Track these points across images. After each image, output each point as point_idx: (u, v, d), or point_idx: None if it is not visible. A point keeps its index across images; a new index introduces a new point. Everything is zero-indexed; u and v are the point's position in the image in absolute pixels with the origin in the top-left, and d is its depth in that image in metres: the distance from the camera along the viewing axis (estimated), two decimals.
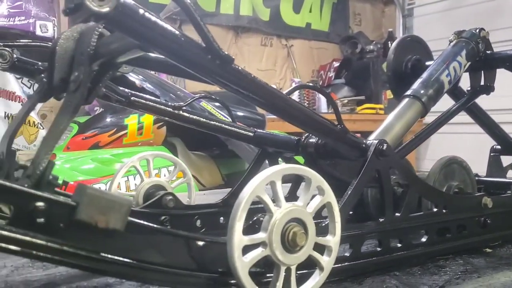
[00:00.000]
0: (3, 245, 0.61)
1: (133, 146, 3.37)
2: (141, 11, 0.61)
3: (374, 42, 5.07)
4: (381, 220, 1.03)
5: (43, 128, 3.95)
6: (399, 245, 1.05)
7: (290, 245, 0.77)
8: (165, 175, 3.34)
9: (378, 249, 1.02)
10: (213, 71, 0.72)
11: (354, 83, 5.11)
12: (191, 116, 1.13)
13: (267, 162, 1.26)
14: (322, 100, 4.93)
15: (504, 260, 1.10)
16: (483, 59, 1.46)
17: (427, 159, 4.96)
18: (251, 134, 1.21)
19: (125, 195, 1.28)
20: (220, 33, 4.75)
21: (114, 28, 0.65)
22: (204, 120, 1.15)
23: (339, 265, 0.94)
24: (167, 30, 0.66)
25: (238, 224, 0.73)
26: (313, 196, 0.83)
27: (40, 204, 0.63)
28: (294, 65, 5.27)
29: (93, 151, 3.21)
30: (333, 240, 0.84)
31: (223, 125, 1.17)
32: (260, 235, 0.76)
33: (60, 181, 0.74)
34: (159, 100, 1.10)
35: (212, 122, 1.16)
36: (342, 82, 5.20)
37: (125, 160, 3.17)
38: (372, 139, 1.06)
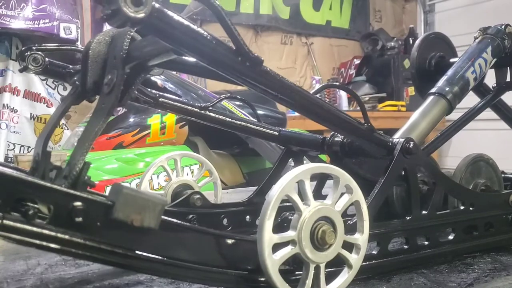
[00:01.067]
0: (44, 243, 0.63)
1: (156, 146, 3.43)
2: (175, 16, 0.63)
3: (395, 38, 5.03)
4: (408, 218, 1.03)
5: (68, 129, 4.04)
6: (426, 243, 1.05)
7: (319, 243, 0.78)
8: (187, 174, 3.40)
9: (405, 247, 1.02)
10: (243, 73, 0.74)
11: (375, 80, 5.08)
12: (217, 116, 1.15)
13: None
14: (343, 97, 4.91)
15: None
16: (509, 55, 1.45)
17: (450, 156, 4.90)
18: (276, 133, 1.23)
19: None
20: (241, 32, 4.66)
21: (149, 33, 0.67)
22: (230, 120, 1.17)
23: (367, 263, 0.94)
24: (199, 34, 0.67)
25: (268, 223, 0.74)
26: (342, 194, 0.84)
27: (78, 203, 0.65)
28: (314, 63, 5.26)
29: (117, 150, 3.27)
30: (361, 238, 0.85)
31: (249, 124, 1.19)
32: (290, 233, 0.77)
33: (94, 182, 0.76)
34: (185, 100, 1.13)
35: (237, 122, 1.18)
36: (363, 80, 5.17)
37: (148, 160, 3.22)
38: (398, 137, 1.06)
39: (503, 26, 1.45)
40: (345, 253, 0.83)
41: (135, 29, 0.69)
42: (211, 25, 4.64)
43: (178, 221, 0.75)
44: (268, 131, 1.21)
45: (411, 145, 1.01)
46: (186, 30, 0.65)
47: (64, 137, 3.98)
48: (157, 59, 0.71)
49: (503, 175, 1.73)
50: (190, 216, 1.11)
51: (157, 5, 0.60)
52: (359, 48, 5.43)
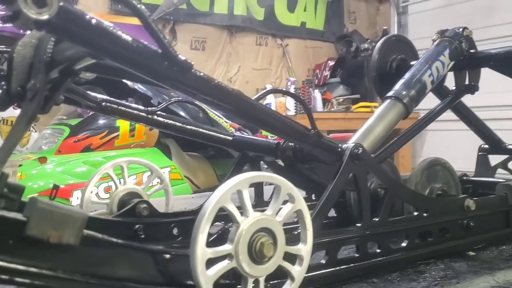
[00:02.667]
0: None
1: (125, 148, 3.36)
2: (87, 17, 0.59)
3: (368, 40, 5.04)
4: (358, 225, 1.00)
5: (36, 131, 3.93)
6: (378, 250, 1.03)
7: (257, 256, 0.75)
8: (157, 178, 3.33)
9: (356, 255, 1.00)
10: (172, 78, 0.70)
11: (349, 81, 5.09)
12: (165, 120, 1.11)
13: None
14: (318, 99, 4.91)
15: (486, 264, 1.08)
16: (467, 58, 1.44)
17: (424, 156, 4.93)
18: (230, 138, 1.19)
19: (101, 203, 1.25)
20: (215, 32, 4.72)
21: (58, 36, 0.63)
22: (179, 124, 1.13)
23: (314, 273, 0.91)
24: (117, 36, 0.63)
25: (202, 236, 0.70)
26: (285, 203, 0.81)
27: None
28: (290, 64, 5.25)
29: (85, 153, 3.20)
30: (304, 248, 0.82)
31: (201, 129, 1.15)
32: (226, 247, 0.73)
33: (23, 191, 0.71)
34: (132, 105, 1.08)
35: (188, 127, 1.14)
36: (337, 81, 5.18)
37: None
38: (350, 143, 1.04)
39: (460, 29, 1.44)
40: (286, 265, 0.80)
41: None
42: (185, 25, 4.58)
43: (104, 236, 0.70)
44: (221, 136, 1.17)
45: (360, 150, 0.99)
46: (101, 32, 0.60)
47: (32, 139, 3.87)
48: (80, 63, 0.67)
49: (465, 178, 1.73)
50: (137, 226, 1.07)
51: (64, 6, 0.55)
52: (333, 49, 5.44)
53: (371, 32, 5.58)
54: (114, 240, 0.71)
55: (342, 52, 5.29)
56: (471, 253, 1.18)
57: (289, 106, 4.72)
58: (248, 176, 0.75)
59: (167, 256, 0.80)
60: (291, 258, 0.81)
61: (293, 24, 5.18)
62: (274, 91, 1.13)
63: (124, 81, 3.36)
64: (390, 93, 1.32)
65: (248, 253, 0.74)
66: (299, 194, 0.81)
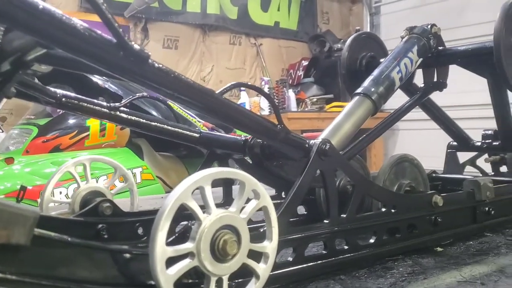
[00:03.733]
0: None
1: (96, 148, 3.29)
2: (34, 3, 0.55)
3: (342, 40, 5.07)
4: (326, 221, 0.99)
5: (3, 131, 3.82)
6: (346, 247, 1.02)
7: (220, 254, 0.73)
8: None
9: (324, 252, 0.99)
10: (128, 69, 0.67)
11: (323, 81, 5.12)
12: (129, 117, 1.07)
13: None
14: (292, 98, 4.92)
15: (453, 260, 1.09)
16: (435, 55, 1.45)
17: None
18: (196, 135, 1.17)
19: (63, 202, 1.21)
20: (187, 31, 4.68)
21: (5, 24, 0.60)
22: (144, 121, 1.09)
23: (281, 271, 0.90)
24: (67, 24, 0.59)
25: (161, 234, 0.68)
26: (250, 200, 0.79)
27: None
28: (264, 64, 5.24)
29: (54, 154, 3.12)
30: (270, 246, 0.80)
31: (166, 126, 1.12)
32: (187, 245, 0.71)
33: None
34: (94, 100, 1.04)
35: (153, 123, 1.10)
36: (311, 81, 5.20)
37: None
38: (317, 139, 1.02)
39: (429, 26, 1.45)
40: (251, 263, 0.78)
41: None
42: (157, 24, 4.52)
43: (59, 236, 0.67)
44: (187, 133, 1.15)
45: (327, 146, 0.98)
46: (49, 19, 0.57)
47: None
48: (31, 53, 0.63)
49: (434, 175, 1.75)
50: (99, 226, 1.03)
51: None
52: (307, 49, 5.46)
53: (344, 32, 5.63)
54: (70, 239, 0.68)
55: (315, 52, 5.31)
56: (439, 248, 1.18)
57: (263, 106, 4.72)
58: (209, 172, 0.73)
59: (128, 255, 0.77)
60: (256, 255, 0.79)
61: (266, 24, 5.18)
62: (238, 85, 1.11)
63: (95, 79, 3.29)
64: (359, 90, 1.32)
65: (210, 251, 0.72)
66: (264, 191, 0.79)
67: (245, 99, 4.79)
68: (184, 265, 0.70)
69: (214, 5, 4.77)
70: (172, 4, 4.58)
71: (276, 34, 5.27)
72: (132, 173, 3.27)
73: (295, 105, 4.93)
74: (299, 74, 5.30)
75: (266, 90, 4.68)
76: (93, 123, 3.25)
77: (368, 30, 5.20)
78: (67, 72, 0.95)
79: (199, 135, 1.16)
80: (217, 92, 0.82)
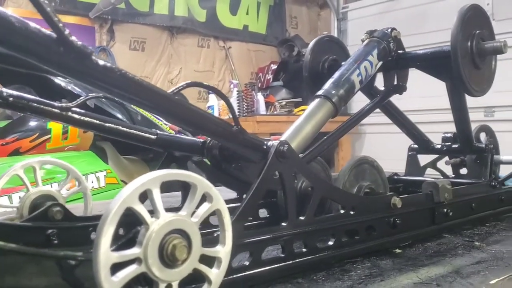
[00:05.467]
0: None
1: (58, 152, 3.19)
2: None
3: None
4: (284, 224, 0.98)
5: None
6: (304, 250, 1.01)
7: (169, 260, 0.70)
8: (92, 182, 3.20)
9: (282, 255, 0.97)
10: (69, 66, 0.63)
11: (292, 85, 5.15)
12: (81, 117, 1.03)
13: None
14: (261, 101, 4.92)
15: (411, 261, 1.09)
16: (395, 59, 1.47)
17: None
18: (153, 137, 1.13)
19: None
20: (155, 33, 4.62)
21: None
22: (97, 122, 1.05)
23: (237, 275, 0.88)
24: (1, 18, 0.56)
25: (105, 240, 0.65)
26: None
27: None
28: (233, 67, 5.23)
29: (13, 157, 3.01)
30: (223, 250, 0.78)
31: (120, 127, 1.08)
32: (133, 251, 0.68)
33: None
34: (45, 100, 1.00)
35: (107, 125, 1.07)
36: (280, 85, 5.22)
37: (48, 167, 2.98)
38: (277, 141, 1.01)
39: (389, 30, 1.46)
40: (203, 268, 0.75)
41: None
42: (124, 25, 4.45)
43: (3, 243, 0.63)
44: (143, 134, 1.11)
45: (285, 148, 0.97)
46: None
47: None
48: None
49: (395, 177, 1.77)
50: (50, 231, 0.98)
51: None
52: (276, 53, 5.49)
53: (312, 37, 5.62)
54: (11, 245, 0.64)
55: (284, 56, 5.34)
56: (397, 250, 1.19)
57: None
58: (157, 174, 0.70)
59: (73, 262, 0.73)
60: (208, 260, 0.77)
61: (235, 27, 5.18)
62: (192, 84, 1.07)
63: (57, 81, 3.20)
64: (319, 92, 1.32)
65: (158, 256, 0.69)
66: (217, 193, 0.77)
67: (214, 102, 4.77)
68: (130, 271, 0.67)
69: (182, 7, 4.73)
70: (139, 6, 4.52)
71: (245, 38, 5.28)
72: (96, 177, 3.19)
73: (264, 108, 4.94)
74: (268, 78, 5.32)
75: (235, 93, 4.67)
76: (55, 126, 3.15)
77: (336, 35, 5.26)
78: (28, 73, 0.91)
79: (155, 136, 1.13)
80: (169, 91, 0.80)
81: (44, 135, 3.19)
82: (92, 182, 3.17)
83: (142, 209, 0.69)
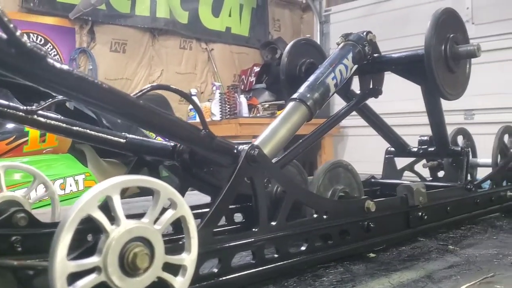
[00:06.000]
0: None
1: (35, 154, 3.13)
2: None
3: None
4: (255, 230, 0.96)
5: None
6: (276, 255, 0.99)
7: (130, 268, 0.68)
8: (71, 185, 3.14)
9: (252, 261, 0.95)
10: (22, 68, 0.61)
11: (275, 87, 5.13)
12: (48, 121, 1.00)
13: None
14: (243, 104, 4.90)
15: (384, 266, 1.08)
16: (370, 62, 1.47)
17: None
18: (122, 141, 1.11)
19: None
20: (136, 35, 4.57)
21: None
22: (64, 125, 1.02)
23: (205, 283, 0.86)
24: None
25: (60, 249, 0.62)
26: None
27: None
28: (215, 69, 5.20)
29: None
30: (188, 258, 0.76)
31: (88, 130, 1.06)
32: (92, 259, 0.66)
33: None
34: (10, 103, 0.96)
35: (74, 128, 1.04)
36: (263, 87, 5.21)
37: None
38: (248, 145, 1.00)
39: (364, 33, 1.46)
40: (167, 276, 0.73)
41: None
42: (105, 26, 4.39)
43: None
44: (112, 138, 1.09)
45: (256, 152, 0.95)
46: None
47: None
48: None
49: (373, 180, 1.77)
50: (13, 238, 0.95)
51: None
52: (259, 56, 5.47)
53: None
54: None
55: (267, 58, 5.33)
56: (371, 254, 1.18)
57: (214, 111, 4.68)
58: (118, 180, 0.68)
59: (31, 272, 0.71)
60: (173, 268, 0.75)
61: (218, 29, 5.14)
62: (158, 87, 1.04)
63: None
64: (294, 95, 1.31)
65: (119, 265, 0.67)
66: (181, 200, 0.75)
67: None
68: (89, 280, 0.65)
69: (164, 9, 4.69)
70: (120, 7, 4.46)
71: (227, 40, 5.25)
72: (75, 180, 3.14)
73: (247, 110, 4.92)
74: (251, 80, 5.30)
75: (217, 95, 4.65)
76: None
77: (318, 38, 5.28)
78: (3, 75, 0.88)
79: (125, 140, 1.10)
80: (133, 95, 0.78)
81: (21, 138, 3.12)
82: (71, 186, 3.12)
83: (101, 216, 0.66)
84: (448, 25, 1.39)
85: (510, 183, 1.79)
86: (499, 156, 1.78)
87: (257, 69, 5.26)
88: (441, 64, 1.35)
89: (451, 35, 1.38)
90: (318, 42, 5.25)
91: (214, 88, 4.94)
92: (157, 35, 4.73)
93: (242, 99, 4.91)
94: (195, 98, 4.74)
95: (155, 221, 0.73)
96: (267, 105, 5.01)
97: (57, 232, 0.63)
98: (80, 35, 4.34)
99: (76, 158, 3.28)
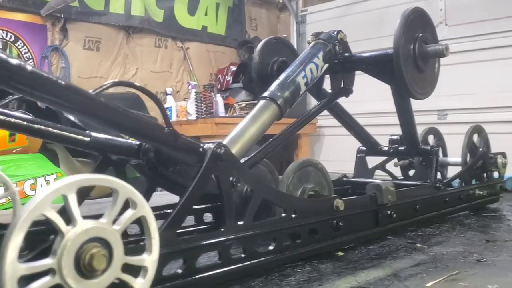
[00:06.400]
0: None
1: (5, 154, 3.05)
2: None
3: None
4: (221, 229, 0.95)
5: None
6: (243, 255, 0.98)
7: (87, 270, 0.66)
8: (41, 186, 3.07)
9: (218, 261, 0.94)
10: None
11: (251, 87, 5.12)
12: (7, 118, 0.96)
13: None
14: (220, 103, 4.87)
15: (352, 264, 1.08)
16: (341, 61, 1.47)
17: (322, 160, 5.11)
18: (86, 139, 1.08)
19: None
20: (111, 32, 4.49)
21: None
22: (25, 123, 0.99)
23: (168, 284, 0.84)
24: None
25: (11, 250, 0.60)
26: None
27: None
28: (191, 68, 5.16)
29: None
30: (149, 258, 0.74)
31: (51, 128, 1.02)
32: (46, 261, 0.63)
33: None
34: None
35: (36, 126, 1.00)
36: (240, 86, 5.18)
37: None
38: (214, 143, 0.98)
39: (335, 32, 1.46)
40: (126, 277, 0.71)
41: None
42: (78, 24, 4.30)
43: None
44: (75, 136, 1.05)
45: (223, 151, 0.94)
46: None
47: None
48: None
49: (345, 179, 1.77)
50: None
51: None
52: (235, 55, 5.45)
53: None
54: None
55: (244, 57, 5.31)
56: (340, 253, 1.18)
57: (190, 110, 4.64)
58: (74, 179, 0.66)
59: None
60: (133, 270, 0.73)
61: (194, 28, 5.10)
62: (118, 83, 1.01)
63: None
64: (265, 94, 1.30)
65: (74, 266, 0.65)
66: (142, 199, 0.73)
67: (172, 104, 4.68)
68: (42, 283, 0.63)
69: (139, 7, 4.63)
70: (93, 4, 4.38)
71: (203, 39, 5.22)
72: (46, 180, 3.07)
73: (223, 110, 4.89)
74: (228, 79, 5.28)
75: (193, 94, 4.61)
76: None
77: (295, 38, 5.29)
78: None
79: (89, 139, 1.07)
80: (91, 91, 0.75)
81: None
82: (42, 186, 3.05)
83: (55, 217, 0.64)
84: (417, 25, 1.40)
85: (479, 181, 1.83)
86: (468, 155, 1.81)
87: (233, 68, 5.24)
88: (410, 63, 1.37)
89: (420, 35, 1.39)
90: (295, 42, 5.27)
91: (190, 87, 4.89)
92: (132, 33, 4.66)
93: (219, 99, 4.88)
94: (170, 98, 4.70)
95: (114, 221, 0.71)
96: (243, 105, 4.99)
97: (7, 233, 0.61)
98: (52, 33, 4.24)
99: (47, 158, 3.21)
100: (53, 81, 0.67)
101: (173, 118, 4.73)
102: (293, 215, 1.09)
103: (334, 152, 4.85)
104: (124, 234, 1.09)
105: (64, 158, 3.34)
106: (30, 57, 4.11)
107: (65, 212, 0.66)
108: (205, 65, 5.29)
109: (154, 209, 1.18)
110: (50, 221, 0.64)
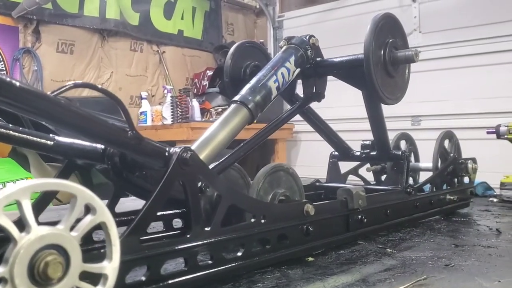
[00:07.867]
0: None
1: None
2: None
3: None
4: (187, 236, 0.93)
5: None
6: (210, 262, 0.96)
7: (41, 279, 0.63)
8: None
9: (184, 268, 0.92)
10: None
11: None
12: None
13: None
14: (196, 107, 4.84)
15: (321, 270, 1.07)
16: (313, 66, 1.47)
17: (298, 165, 5.13)
18: (50, 143, 1.04)
19: None
20: (85, 35, 4.42)
21: None
22: None
23: None
24: None
25: None
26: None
27: None
28: (167, 72, 5.12)
29: None
30: (110, 266, 0.72)
31: (11, 132, 0.99)
32: None
33: None
34: None
35: None
36: (216, 91, 5.16)
37: None
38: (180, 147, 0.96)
39: (307, 37, 1.46)
40: (85, 286, 0.68)
41: None
42: (51, 26, 4.22)
43: None
44: (38, 140, 1.02)
45: (189, 155, 0.92)
46: None
47: None
48: None
49: (318, 184, 1.77)
50: None
51: None
52: (212, 59, 5.44)
53: None
54: None
55: (220, 62, 5.30)
56: (310, 258, 1.17)
57: (165, 115, 4.59)
58: (28, 184, 0.63)
59: None
60: (93, 277, 0.70)
61: (170, 32, 5.07)
62: (80, 85, 0.99)
63: None
64: (236, 97, 1.29)
65: (28, 275, 0.62)
66: (102, 205, 0.71)
67: (147, 108, 4.63)
68: None
69: (114, 10, 4.57)
70: (67, 7, 4.31)
71: (179, 43, 5.19)
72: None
73: (200, 114, 4.86)
74: (204, 84, 5.25)
75: (168, 98, 4.57)
76: None
77: (272, 43, 5.31)
78: None
79: (52, 142, 1.04)
80: (50, 92, 0.73)
81: None
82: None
83: (7, 223, 0.61)
84: (388, 30, 1.41)
85: (449, 186, 1.85)
86: (439, 160, 1.83)
87: (210, 72, 5.22)
88: (380, 68, 1.37)
89: (390, 40, 1.40)
90: (272, 47, 5.28)
91: (166, 91, 4.85)
92: (106, 36, 4.60)
93: (195, 103, 4.85)
94: (145, 102, 4.65)
95: (72, 228, 0.68)
96: (220, 110, 4.97)
97: None
98: (24, 35, 4.15)
99: (17, 163, 3.13)
100: (5, 81, 0.64)
101: (148, 123, 4.67)
102: (263, 220, 1.07)
103: (310, 157, 4.88)
104: (90, 241, 1.08)
105: (35, 162, 3.26)
106: (1, 59, 4.01)
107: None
108: (181, 69, 5.26)
109: (121, 215, 1.16)
110: (1, 227, 0.61)
